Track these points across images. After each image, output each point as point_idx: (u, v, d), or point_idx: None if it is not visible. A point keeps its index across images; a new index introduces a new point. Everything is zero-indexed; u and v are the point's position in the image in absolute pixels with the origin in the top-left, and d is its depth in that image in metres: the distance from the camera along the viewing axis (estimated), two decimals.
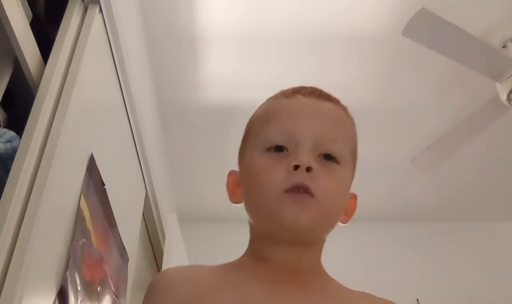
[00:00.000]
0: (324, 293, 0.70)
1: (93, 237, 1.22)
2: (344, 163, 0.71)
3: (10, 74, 1.09)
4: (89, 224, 1.20)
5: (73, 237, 1.08)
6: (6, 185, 0.94)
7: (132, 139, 1.77)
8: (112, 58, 1.50)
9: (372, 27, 2.10)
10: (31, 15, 1.17)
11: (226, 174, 0.80)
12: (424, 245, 3.11)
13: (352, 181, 0.76)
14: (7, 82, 1.07)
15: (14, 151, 0.99)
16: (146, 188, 1.98)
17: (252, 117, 0.81)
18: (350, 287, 0.73)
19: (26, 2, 1.15)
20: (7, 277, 0.85)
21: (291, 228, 0.66)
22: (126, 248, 1.54)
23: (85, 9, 1.34)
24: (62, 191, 1.08)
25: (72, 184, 1.14)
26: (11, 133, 1.01)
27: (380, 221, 3.15)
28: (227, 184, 0.79)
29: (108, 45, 1.46)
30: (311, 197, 0.66)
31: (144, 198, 1.97)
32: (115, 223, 1.42)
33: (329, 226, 0.72)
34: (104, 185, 1.32)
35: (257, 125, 0.77)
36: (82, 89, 1.20)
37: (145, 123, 1.86)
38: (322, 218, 0.68)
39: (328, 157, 0.70)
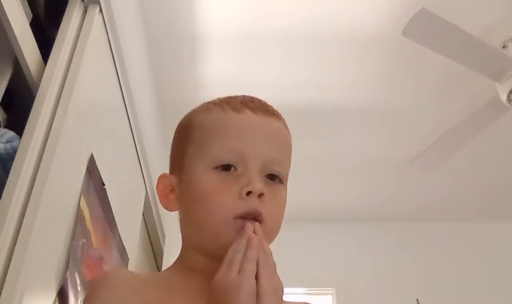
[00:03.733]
0: None
1: (93, 237, 1.23)
2: (285, 182, 0.74)
3: (10, 74, 1.09)
4: (89, 224, 1.20)
5: (73, 237, 1.08)
6: (6, 185, 0.94)
7: (132, 139, 1.77)
8: (112, 58, 1.50)
9: (372, 27, 2.10)
10: (31, 15, 1.17)
11: None
12: (424, 245, 3.11)
13: None
14: (7, 82, 1.07)
15: (14, 151, 0.99)
16: (146, 188, 1.98)
17: (193, 121, 0.78)
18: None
19: (26, 2, 1.15)
20: (7, 277, 0.85)
21: None
22: (126, 248, 1.54)
23: (85, 9, 1.34)
24: (62, 191, 1.08)
25: (72, 184, 1.14)
26: (11, 133, 1.01)
27: (380, 221, 3.15)
28: (157, 188, 0.78)
29: (108, 45, 1.46)
30: (260, 223, 0.68)
31: (144, 198, 1.97)
32: (115, 223, 1.42)
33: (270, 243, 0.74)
34: (104, 185, 1.32)
35: (203, 136, 0.75)
36: (82, 89, 1.20)
37: (145, 123, 1.86)
38: (268, 241, 0.69)
39: (273, 177, 0.72)
